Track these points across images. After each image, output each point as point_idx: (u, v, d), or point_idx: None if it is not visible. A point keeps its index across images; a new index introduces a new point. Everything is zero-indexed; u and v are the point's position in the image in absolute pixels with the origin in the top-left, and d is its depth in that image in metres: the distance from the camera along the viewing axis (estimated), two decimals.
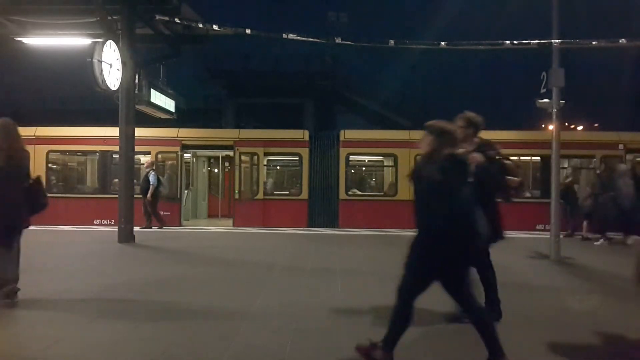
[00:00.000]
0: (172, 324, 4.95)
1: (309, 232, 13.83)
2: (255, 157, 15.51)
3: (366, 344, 3.87)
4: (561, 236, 9.55)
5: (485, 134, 5.14)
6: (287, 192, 16.41)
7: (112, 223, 13.68)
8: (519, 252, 9.89)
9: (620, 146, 15.03)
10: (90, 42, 10.81)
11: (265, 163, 15.89)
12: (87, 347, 4.25)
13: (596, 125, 30.95)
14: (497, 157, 4.96)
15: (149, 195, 13.56)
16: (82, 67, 10.23)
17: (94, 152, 15.80)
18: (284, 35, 11.07)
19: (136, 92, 11.79)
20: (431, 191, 3.75)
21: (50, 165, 15.74)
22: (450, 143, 3.86)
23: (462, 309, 3.92)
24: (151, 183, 13.57)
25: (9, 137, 5.48)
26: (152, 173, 13.74)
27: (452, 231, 3.67)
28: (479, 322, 3.77)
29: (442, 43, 11.19)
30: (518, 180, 5.11)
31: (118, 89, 10.77)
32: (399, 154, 15.23)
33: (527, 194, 14.70)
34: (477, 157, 4.63)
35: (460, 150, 3.99)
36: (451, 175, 3.71)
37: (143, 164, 15.70)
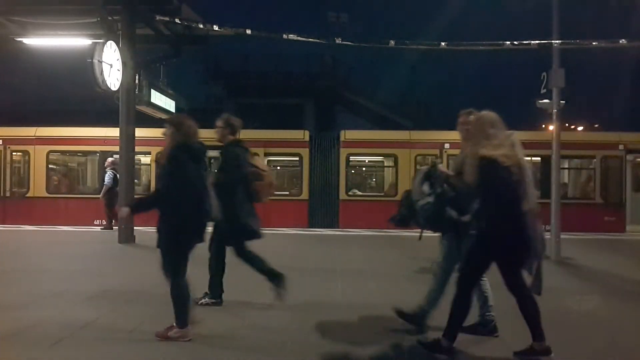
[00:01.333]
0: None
1: (309, 232, 13.83)
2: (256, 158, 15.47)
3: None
4: None
5: None
6: (288, 193, 16.39)
7: (113, 223, 13.67)
8: None
9: (621, 146, 15.03)
10: (90, 43, 10.83)
11: (265, 163, 15.85)
12: (88, 348, 4.26)
13: (596, 125, 30.92)
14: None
15: (101, 195, 13.39)
16: (83, 67, 10.25)
17: (95, 152, 15.78)
18: (284, 36, 11.07)
19: (136, 92, 11.79)
20: (162, 175, 4.31)
21: (50, 166, 15.73)
22: (186, 133, 4.32)
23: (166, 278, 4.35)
24: (105, 183, 13.33)
25: None
26: (109, 173, 13.36)
27: (178, 210, 4.18)
28: (176, 294, 4.30)
29: (442, 43, 11.20)
30: (265, 184, 5.82)
31: (118, 89, 10.78)
32: (399, 154, 15.22)
33: None
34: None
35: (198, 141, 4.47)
36: (179, 160, 4.18)
37: (145, 164, 15.72)
